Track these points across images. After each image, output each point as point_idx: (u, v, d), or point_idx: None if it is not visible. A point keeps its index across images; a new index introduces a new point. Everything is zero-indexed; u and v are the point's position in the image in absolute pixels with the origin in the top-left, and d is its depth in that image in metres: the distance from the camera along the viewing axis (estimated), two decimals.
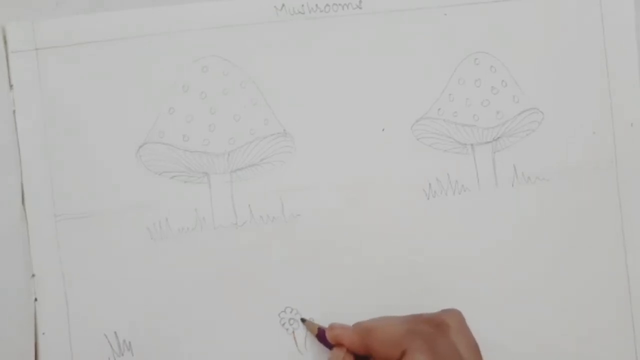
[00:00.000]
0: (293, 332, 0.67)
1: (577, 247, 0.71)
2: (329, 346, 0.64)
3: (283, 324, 0.67)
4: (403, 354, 0.59)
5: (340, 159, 0.68)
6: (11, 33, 0.64)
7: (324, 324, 0.66)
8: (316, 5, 0.68)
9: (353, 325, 0.63)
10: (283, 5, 0.67)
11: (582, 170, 0.71)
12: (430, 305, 0.67)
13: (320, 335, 0.65)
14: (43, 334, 0.64)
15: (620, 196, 0.71)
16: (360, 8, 0.68)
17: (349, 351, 0.63)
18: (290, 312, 0.67)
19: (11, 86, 0.64)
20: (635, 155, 0.71)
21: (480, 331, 0.63)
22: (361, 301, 0.68)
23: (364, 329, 0.62)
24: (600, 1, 0.71)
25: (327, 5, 0.68)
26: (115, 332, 0.65)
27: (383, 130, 0.69)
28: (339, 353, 0.63)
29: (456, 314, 0.62)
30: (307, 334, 0.67)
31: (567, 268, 0.70)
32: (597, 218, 0.71)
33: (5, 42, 0.64)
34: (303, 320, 0.67)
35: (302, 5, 0.67)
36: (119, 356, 0.65)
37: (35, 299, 0.64)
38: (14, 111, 0.64)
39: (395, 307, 0.67)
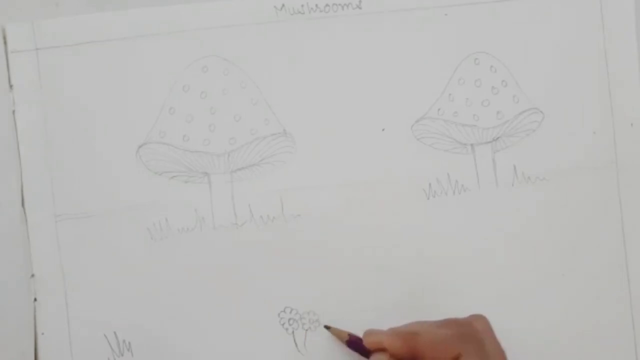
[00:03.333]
0: (293, 332, 0.67)
1: (577, 247, 0.71)
2: (363, 353, 0.64)
3: (283, 324, 0.67)
4: (456, 357, 0.58)
5: (340, 159, 0.68)
6: (11, 33, 0.64)
7: (326, 323, 0.66)
8: (316, 5, 0.68)
9: (389, 330, 0.62)
10: (283, 5, 0.67)
11: (582, 170, 0.71)
12: (430, 305, 0.68)
13: (352, 342, 0.64)
14: (43, 334, 0.64)
15: (620, 196, 0.71)
16: (360, 8, 0.68)
17: (392, 356, 0.61)
18: (290, 312, 0.67)
19: (11, 86, 0.64)
20: (635, 155, 0.71)
21: None
22: (361, 301, 0.68)
23: (408, 333, 0.61)
24: (600, 1, 0.71)
25: (327, 5, 0.68)
26: (115, 332, 0.65)
27: (383, 130, 0.69)
28: (381, 357, 0.61)
29: (483, 319, 0.62)
30: (306, 333, 0.67)
31: (567, 268, 0.70)
32: (597, 218, 0.71)
33: (5, 42, 0.64)
34: (327, 327, 0.66)
35: (302, 6, 0.67)
36: (119, 356, 0.65)
37: (35, 299, 0.64)
38: (14, 111, 0.64)
39: (395, 307, 0.67)
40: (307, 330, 0.67)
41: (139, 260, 0.65)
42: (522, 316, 0.70)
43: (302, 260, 0.67)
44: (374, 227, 0.68)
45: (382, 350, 0.62)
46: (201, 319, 0.66)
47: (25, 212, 0.64)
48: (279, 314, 0.67)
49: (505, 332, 0.69)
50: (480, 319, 0.62)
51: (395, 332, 0.62)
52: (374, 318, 0.67)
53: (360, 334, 0.64)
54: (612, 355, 0.71)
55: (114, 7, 0.66)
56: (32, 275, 0.64)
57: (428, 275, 0.69)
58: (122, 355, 0.65)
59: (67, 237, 0.65)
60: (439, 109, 0.69)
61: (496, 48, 0.70)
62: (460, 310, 0.66)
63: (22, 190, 0.64)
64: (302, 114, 0.68)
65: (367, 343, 0.63)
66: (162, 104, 0.66)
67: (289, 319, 0.67)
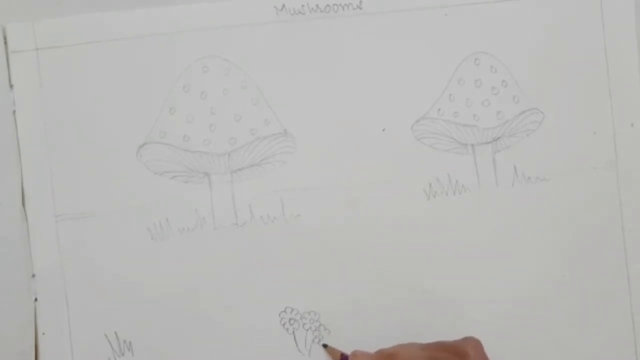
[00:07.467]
0: (293, 332, 0.67)
1: (577, 247, 0.71)
2: None
3: (283, 324, 0.67)
4: None
5: (340, 159, 0.68)
6: (11, 33, 0.64)
7: (327, 325, 0.66)
8: (316, 5, 0.68)
9: (375, 352, 0.63)
10: (283, 5, 0.67)
11: (582, 170, 0.71)
12: (430, 305, 0.67)
13: None
14: (43, 334, 0.64)
15: (620, 196, 0.71)
16: (361, 8, 0.68)
17: None
18: (291, 312, 0.67)
19: (11, 86, 0.64)
20: (635, 155, 0.71)
21: (479, 329, 0.64)
22: (361, 301, 0.68)
23: (385, 356, 0.62)
24: (600, 1, 0.71)
25: (328, 5, 0.68)
26: (115, 332, 0.65)
27: (383, 130, 0.69)
28: None
29: (475, 343, 0.62)
30: (307, 333, 0.67)
31: (567, 268, 0.70)
32: (597, 218, 0.71)
33: (5, 42, 0.64)
34: (325, 345, 0.67)
35: (303, 6, 0.67)
36: (119, 356, 0.65)
37: (35, 299, 0.64)
38: (14, 111, 0.64)
39: (395, 307, 0.67)
40: (307, 330, 0.67)
41: (139, 260, 0.65)
42: (522, 315, 0.70)
43: (303, 260, 0.67)
44: (374, 227, 0.68)
45: None
46: (202, 319, 0.66)
47: (25, 212, 0.64)
48: (279, 314, 0.67)
49: (503, 330, 0.69)
50: (473, 342, 0.62)
51: (378, 355, 0.63)
52: (374, 318, 0.67)
53: (360, 335, 0.65)
54: (612, 355, 0.71)
55: (114, 7, 0.66)
56: (33, 275, 0.64)
57: (428, 274, 0.69)
58: (123, 354, 0.65)
59: (67, 237, 0.65)
60: (439, 109, 0.69)
61: (496, 48, 0.70)
62: (459, 310, 0.66)
63: (22, 190, 0.64)
64: (302, 114, 0.68)
65: None
66: (163, 104, 0.66)
67: (290, 319, 0.67)
